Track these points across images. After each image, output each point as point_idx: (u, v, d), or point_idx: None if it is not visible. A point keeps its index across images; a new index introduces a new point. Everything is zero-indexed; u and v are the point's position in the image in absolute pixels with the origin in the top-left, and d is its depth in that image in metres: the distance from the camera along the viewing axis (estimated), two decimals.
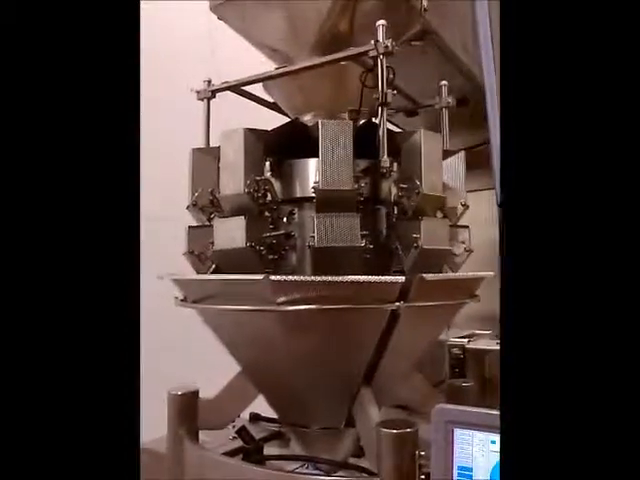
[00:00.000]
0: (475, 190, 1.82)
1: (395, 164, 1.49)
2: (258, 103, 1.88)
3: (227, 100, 1.78)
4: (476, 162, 1.76)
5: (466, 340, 2.10)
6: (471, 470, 1.05)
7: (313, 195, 1.38)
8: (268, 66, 1.77)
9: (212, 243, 1.51)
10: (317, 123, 1.37)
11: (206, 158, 1.62)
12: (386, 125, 1.41)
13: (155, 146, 1.88)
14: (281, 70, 1.64)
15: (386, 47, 1.39)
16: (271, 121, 1.67)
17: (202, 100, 1.76)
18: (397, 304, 1.29)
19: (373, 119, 1.49)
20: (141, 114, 0.88)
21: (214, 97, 1.76)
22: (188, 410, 1.58)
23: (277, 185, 1.53)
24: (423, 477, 1.15)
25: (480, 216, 1.69)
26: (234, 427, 1.74)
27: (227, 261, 1.50)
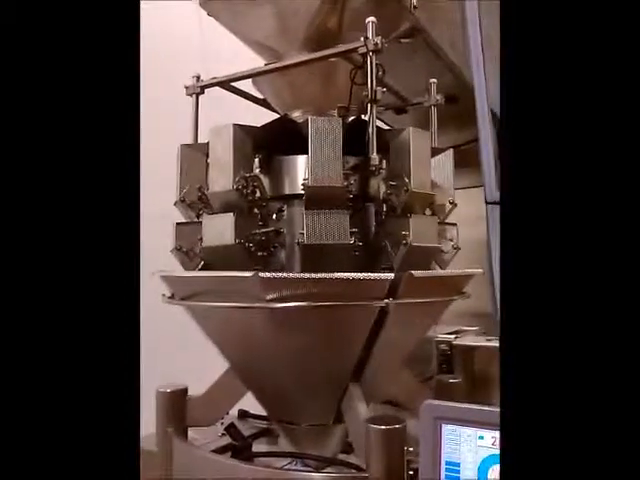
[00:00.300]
0: (462, 188, 1.83)
1: (384, 161, 1.49)
2: (247, 99, 1.87)
3: (217, 96, 1.78)
4: (463, 160, 1.77)
5: (453, 336, 2.11)
6: (459, 465, 1.06)
7: (302, 192, 1.38)
8: (258, 62, 1.76)
9: (200, 240, 1.50)
10: (306, 120, 1.37)
11: (195, 154, 1.61)
12: (375, 122, 1.41)
13: (155, 145, 1.86)
14: (270, 66, 1.63)
15: (376, 44, 1.39)
16: (260, 118, 1.67)
17: (191, 96, 1.75)
18: (386, 301, 1.29)
19: (362, 116, 1.49)
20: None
21: (203, 93, 1.75)
22: (177, 407, 1.58)
23: (266, 182, 1.52)
24: (411, 473, 1.16)
25: (467, 214, 1.70)
26: (222, 424, 1.74)
27: (216, 258, 1.49)
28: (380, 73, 1.43)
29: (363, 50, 1.40)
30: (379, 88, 1.40)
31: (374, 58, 1.40)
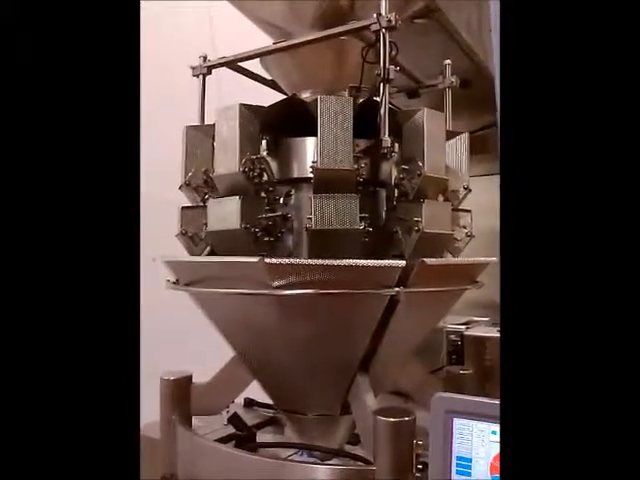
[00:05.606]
0: (477, 175, 1.77)
1: (396, 144, 1.44)
2: (255, 80, 1.82)
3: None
4: (478, 146, 1.71)
5: (464, 327, 2.07)
6: (470, 461, 1.03)
7: (311, 175, 1.33)
8: (267, 43, 1.71)
9: (206, 224, 1.47)
10: (316, 100, 1.31)
11: (200, 136, 1.57)
12: (388, 103, 1.36)
13: (160, 128, 1.83)
14: (279, 45, 1.58)
15: (389, 21, 1.33)
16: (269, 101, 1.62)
17: (197, 76, 1.70)
18: (396, 289, 1.25)
19: (374, 97, 1.44)
20: (142, 100, 0.87)
21: (210, 73, 1.71)
22: (181, 395, 1.55)
23: (274, 164, 1.48)
24: (420, 467, 1.13)
25: (484, 202, 1.65)
26: (228, 412, 1.72)
27: (221, 243, 1.45)
28: (393, 52, 1.38)
29: (376, 27, 1.35)
30: (392, 67, 1.34)
31: (387, 35, 1.34)
